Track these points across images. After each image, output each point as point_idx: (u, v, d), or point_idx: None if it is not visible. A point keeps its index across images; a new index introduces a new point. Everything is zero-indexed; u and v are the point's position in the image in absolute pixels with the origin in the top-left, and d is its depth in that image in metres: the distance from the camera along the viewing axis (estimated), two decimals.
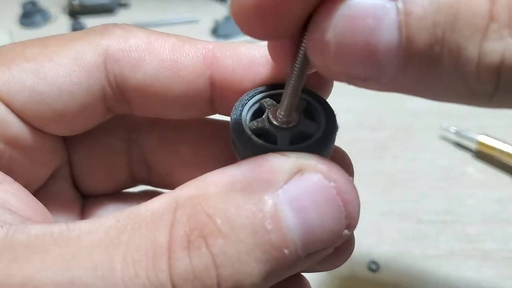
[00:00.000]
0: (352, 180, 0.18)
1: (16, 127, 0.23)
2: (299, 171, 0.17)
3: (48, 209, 0.25)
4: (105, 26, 0.24)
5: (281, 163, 0.18)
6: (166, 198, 0.18)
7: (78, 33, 0.24)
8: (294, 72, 0.18)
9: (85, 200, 0.29)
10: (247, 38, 0.18)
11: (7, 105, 0.22)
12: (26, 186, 0.24)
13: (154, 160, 0.28)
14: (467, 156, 0.56)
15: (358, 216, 0.18)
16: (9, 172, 0.23)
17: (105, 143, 0.28)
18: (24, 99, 0.22)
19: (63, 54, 0.23)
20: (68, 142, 0.27)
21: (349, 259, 0.24)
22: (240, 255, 0.17)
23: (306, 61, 0.18)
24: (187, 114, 0.25)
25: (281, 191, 0.17)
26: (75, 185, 0.29)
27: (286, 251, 0.17)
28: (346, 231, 0.18)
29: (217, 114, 0.26)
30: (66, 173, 0.28)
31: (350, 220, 0.18)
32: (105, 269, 0.16)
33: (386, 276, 0.46)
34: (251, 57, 0.22)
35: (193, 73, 0.23)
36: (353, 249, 0.24)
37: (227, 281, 0.16)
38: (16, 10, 0.79)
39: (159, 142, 0.28)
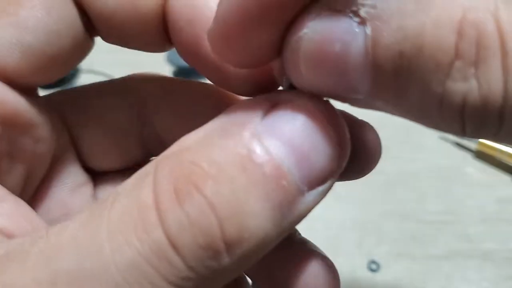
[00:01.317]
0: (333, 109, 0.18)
1: (12, 102, 0.21)
2: (273, 106, 0.17)
3: (58, 197, 0.24)
4: None
5: (253, 103, 0.17)
6: (144, 167, 0.17)
7: None
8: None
9: (96, 179, 0.27)
10: None
11: (0, 72, 0.20)
12: (30, 171, 0.23)
13: (167, 135, 0.27)
14: (467, 156, 0.56)
15: (349, 137, 0.17)
16: (11, 158, 0.21)
17: (114, 120, 0.26)
18: (15, 58, 0.20)
19: None
20: (71, 122, 0.26)
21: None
22: (236, 193, 0.15)
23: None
24: (146, 47, 0.24)
25: (259, 125, 0.16)
26: (84, 166, 0.27)
27: (284, 182, 0.16)
28: (341, 152, 0.17)
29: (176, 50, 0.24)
30: (72, 155, 0.26)
31: (341, 139, 0.17)
32: (90, 249, 0.15)
33: (386, 276, 0.45)
34: (204, 12, 0.20)
35: (150, 9, 0.21)
36: (380, 152, 0.23)
37: (229, 222, 0.15)
38: None
39: (172, 116, 0.26)
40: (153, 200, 0.15)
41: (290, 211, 0.16)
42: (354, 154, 0.21)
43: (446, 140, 0.58)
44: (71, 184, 0.26)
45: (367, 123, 0.23)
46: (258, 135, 0.16)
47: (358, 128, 0.22)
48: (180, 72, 0.68)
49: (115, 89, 0.26)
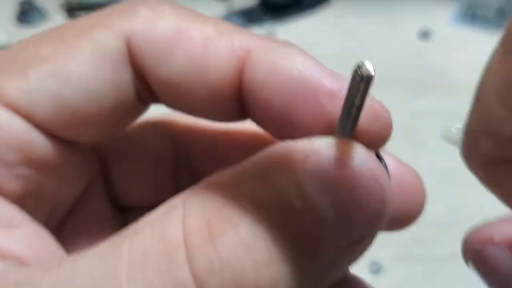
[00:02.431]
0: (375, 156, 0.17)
1: (42, 145, 0.20)
2: (314, 151, 0.16)
3: (85, 232, 0.22)
4: (130, 4, 0.20)
5: (293, 146, 0.16)
6: (170, 199, 0.16)
7: (97, 15, 0.21)
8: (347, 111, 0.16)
9: (125, 215, 0.26)
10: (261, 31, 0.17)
11: (30, 119, 0.19)
12: (55, 209, 0.22)
13: (202, 170, 0.25)
14: None
15: (390, 191, 0.16)
16: (37, 198, 0.20)
17: (149, 152, 0.25)
18: (48, 109, 0.19)
19: (83, 48, 0.19)
20: (103, 153, 0.24)
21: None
22: (274, 237, 0.14)
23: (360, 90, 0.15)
24: (216, 117, 0.22)
25: (300, 170, 0.15)
26: (113, 200, 0.25)
27: (323, 234, 0.15)
28: (383, 210, 0.16)
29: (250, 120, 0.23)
30: (101, 188, 0.25)
31: (383, 193, 0.16)
32: (107, 283, 0.14)
33: (388, 278, 0.45)
34: (286, 78, 0.18)
35: (223, 78, 0.19)
36: (424, 205, 0.22)
37: (265, 269, 0.14)
38: (12, 9, 0.78)
39: (209, 152, 0.25)
40: (182, 236, 0.14)
41: (327, 265, 0.15)
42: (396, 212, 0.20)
43: (448, 140, 0.57)
44: (98, 220, 0.24)
45: (414, 172, 0.22)
46: (300, 180, 0.15)
47: (403, 178, 0.21)
48: None
49: (152, 124, 0.25)
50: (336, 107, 0.17)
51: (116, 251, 0.15)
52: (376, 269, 0.45)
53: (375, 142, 0.18)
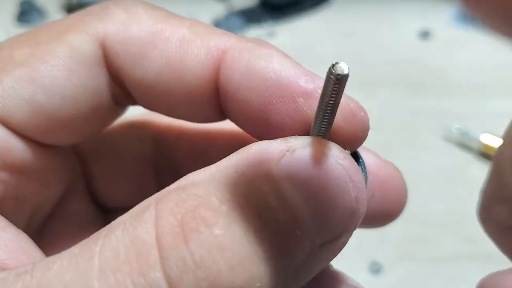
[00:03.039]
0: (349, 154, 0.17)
1: (20, 149, 0.20)
2: (289, 150, 0.16)
3: (66, 233, 0.22)
4: (105, 6, 0.20)
5: (268, 146, 0.16)
6: (143, 202, 0.16)
7: (72, 18, 0.20)
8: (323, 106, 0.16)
9: (108, 216, 0.26)
10: (253, 32, 0.17)
11: (5, 124, 0.19)
12: (35, 212, 0.21)
13: (184, 170, 0.24)
14: (470, 156, 0.55)
15: (365, 190, 0.16)
16: (17, 201, 0.20)
17: (129, 153, 0.25)
18: (23, 114, 0.19)
19: (57, 52, 0.19)
20: (83, 155, 0.24)
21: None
22: (250, 236, 0.14)
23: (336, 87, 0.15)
24: (194, 118, 0.22)
25: (275, 169, 0.15)
26: (95, 201, 0.25)
27: (298, 232, 0.15)
28: (358, 208, 0.16)
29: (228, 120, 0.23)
30: (82, 190, 0.25)
31: (358, 192, 0.16)
32: (78, 287, 0.14)
33: (388, 278, 0.45)
34: (262, 79, 0.18)
35: (199, 80, 0.19)
36: (405, 203, 0.22)
37: (240, 269, 0.14)
38: (12, 9, 0.78)
39: (190, 152, 0.25)
40: (154, 235, 0.14)
41: (302, 263, 0.15)
42: (376, 206, 0.20)
43: (449, 140, 0.57)
44: (80, 221, 0.24)
45: (395, 170, 0.22)
46: (275, 179, 0.15)
47: (384, 175, 0.21)
48: None
49: (132, 125, 0.25)
50: (312, 107, 0.17)
51: (87, 254, 0.14)
52: (376, 269, 0.45)
53: (352, 141, 0.18)
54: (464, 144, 0.56)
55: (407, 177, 0.61)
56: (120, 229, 0.15)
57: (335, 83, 0.15)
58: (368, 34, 0.74)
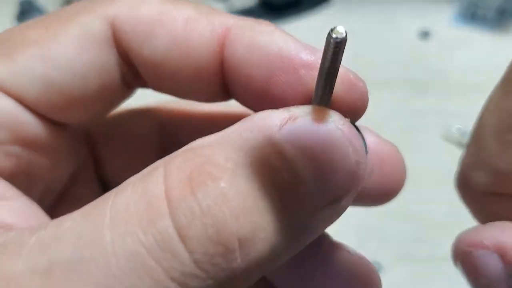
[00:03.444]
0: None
1: (32, 125, 0.20)
2: (290, 118, 0.16)
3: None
4: None
5: (270, 114, 0.17)
6: (151, 164, 0.16)
7: (83, 2, 0.21)
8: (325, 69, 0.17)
9: None
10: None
11: (19, 100, 0.20)
12: (46, 190, 0.22)
13: None
14: None
15: (365, 156, 0.17)
16: (28, 177, 0.21)
17: (136, 137, 0.26)
18: (37, 91, 0.20)
19: (69, 31, 0.20)
20: (92, 138, 0.25)
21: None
22: (254, 191, 0.15)
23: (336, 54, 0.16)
24: (200, 97, 0.22)
25: (278, 133, 0.16)
26: (103, 184, 0.26)
27: (301, 189, 0.15)
28: (358, 172, 0.17)
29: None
30: (90, 172, 0.25)
31: (358, 156, 0.16)
32: (90, 237, 0.14)
33: (388, 278, 0.45)
34: (265, 53, 0.19)
35: (205, 56, 0.20)
36: (404, 181, 0.22)
37: (244, 218, 0.14)
38: (12, 8, 0.78)
39: (195, 136, 0.26)
40: (163, 190, 0.15)
41: (304, 223, 0.16)
42: (375, 181, 0.20)
43: (449, 140, 0.57)
44: (88, 201, 0.25)
45: (394, 148, 0.23)
46: (277, 141, 0.16)
47: (383, 153, 0.22)
48: None
49: (139, 111, 0.26)
50: (313, 77, 0.18)
51: (99, 209, 0.15)
52: (376, 268, 0.46)
53: (352, 111, 0.18)
54: (464, 144, 0.56)
55: (407, 177, 0.61)
56: (131, 186, 0.15)
57: (335, 46, 0.15)
58: (368, 34, 0.74)
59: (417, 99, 0.62)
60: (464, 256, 0.21)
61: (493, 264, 0.20)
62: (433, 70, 0.67)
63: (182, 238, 0.14)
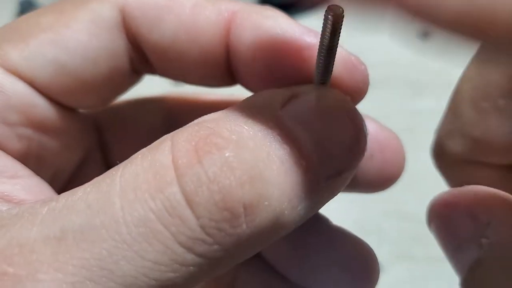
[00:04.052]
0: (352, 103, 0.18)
1: (44, 108, 0.21)
2: (293, 95, 0.17)
3: None
4: None
5: (273, 91, 0.17)
6: (159, 139, 0.17)
7: None
8: (324, 51, 0.17)
9: None
10: None
11: (31, 83, 0.20)
12: (55, 173, 0.23)
13: None
14: None
15: (366, 131, 0.18)
16: (39, 160, 0.21)
17: (143, 125, 0.26)
18: (48, 74, 0.20)
19: (80, 17, 0.21)
20: (100, 125, 0.26)
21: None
22: (258, 161, 0.15)
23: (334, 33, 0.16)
24: (207, 82, 0.23)
25: (280, 108, 0.17)
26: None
27: (303, 162, 0.16)
28: (358, 146, 0.17)
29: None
30: (98, 159, 0.26)
31: (358, 131, 0.17)
32: (101, 205, 0.15)
33: (387, 277, 0.45)
34: (270, 35, 0.20)
35: (212, 40, 0.21)
36: (403, 167, 0.23)
37: (249, 186, 0.15)
38: (12, 8, 0.78)
39: None
40: (171, 159, 0.15)
41: (306, 194, 0.16)
42: (375, 167, 0.21)
43: None
44: None
45: (394, 134, 0.24)
46: (280, 116, 0.16)
47: (383, 139, 0.23)
48: None
49: (145, 99, 0.26)
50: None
51: (109, 179, 0.16)
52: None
53: (353, 92, 0.19)
54: None
55: (406, 176, 0.61)
56: (139, 157, 0.16)
57: (333, 22, 0.16)
58: (368, 34, 0.75)
59: (417, 99, 0.62)
60: (438, 218, 0.22)
61: (464, 226, 0.20)
62: (433, 70, 0.67)
63: (190, 203, 0.14)
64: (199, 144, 0.15)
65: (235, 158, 0.15)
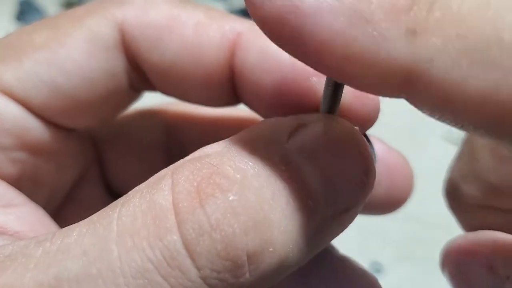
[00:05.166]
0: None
1: (38, 130, 0.20)
2: (300, 125, 0.16)
3: (79, 218, 0.24)
4: None
5: (279, 122, 0.16)
6: (158, 172, 0.16)
7: (91, 4, 0.21)
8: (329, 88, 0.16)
9: None
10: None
11: (25, 105, 0.20)
12: (51, 194, 0.22)
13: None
14: None
15: (374, 165, 0.17)
16: (34, 182, 0.21)
17: (142, 140, 0.25)
18: (43, 96, 0.19)
19: (77, 35, 0.20)
20: (98, 141, 0.25)
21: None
22: (262, 204, 0.14)
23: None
24: (210, 102, 0.22)
25: (286, 142, 0.16)
26: (108, 187, 0.26)
27: (310, 202, 0.15)
28: (367, 182, 0.16)
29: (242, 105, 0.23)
30: (96, 175, 0.25)
31: (367, 166, 0.16)
32: (97, 252, 0.14)
33: (389, 278, 0.45)
34: (277, 60, 0.19)
35: (215, 62, 0.20)
36: (410, 191, 0.22)
37: (254, 232, 0.14)
38: (11, 8, 0.78)
39: (201, 139, 0.24)
40: (171, 201, 0.14)
41: (312, 235, 0.16)
42: (383, 189, 0.20)
43: (450, 140, 0.57)
44: (94, 206, 0.24)
45: (401, 157, 0.23)
46: (286, 151, 0.15)
47: (391, 162, 0.22)
48: None
49: (144, 113, 0.25)
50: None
51: (105, 220, 0.15)
52: (377, 269, 0.45)
53: (362, 121, 0.18)
54: None
55: None
56: (138, 197, 0.15)
57: None
58: None
59: None
60: (453, 265, 0.21)
61: (482, 278, 0.19)
62: None
63: (190, 253, 0.14)
64: (201, 185, 0.14)
65: (240, 203, 0.14)
